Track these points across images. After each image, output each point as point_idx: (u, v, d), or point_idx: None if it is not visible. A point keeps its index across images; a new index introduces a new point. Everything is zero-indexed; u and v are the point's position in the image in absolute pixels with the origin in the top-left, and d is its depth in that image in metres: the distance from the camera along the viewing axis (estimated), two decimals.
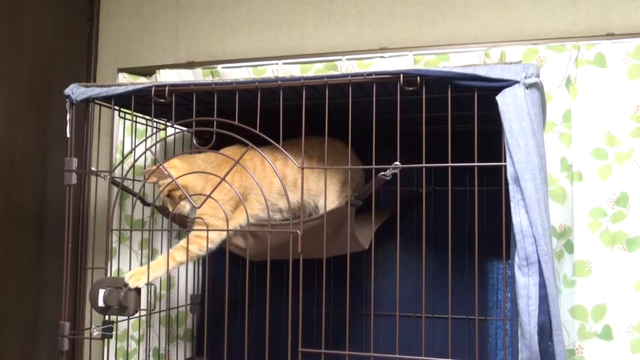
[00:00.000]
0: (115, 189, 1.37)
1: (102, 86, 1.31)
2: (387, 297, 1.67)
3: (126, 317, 1.39)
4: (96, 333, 1.26)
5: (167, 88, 1.26)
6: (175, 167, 1.31)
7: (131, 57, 2.03)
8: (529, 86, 1.05)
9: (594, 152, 1.45)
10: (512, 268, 1.08)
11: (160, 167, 1.28)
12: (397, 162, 1.12)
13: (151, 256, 1.44)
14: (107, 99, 1.31)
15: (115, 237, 1.78)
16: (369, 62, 1.64)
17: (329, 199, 1.37)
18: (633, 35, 1.51)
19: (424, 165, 1.14)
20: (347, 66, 1.66)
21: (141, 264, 1.75)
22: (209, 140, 1.22)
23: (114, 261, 1.75)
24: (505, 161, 1.06)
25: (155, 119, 1.57)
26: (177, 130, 1.66)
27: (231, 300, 1.68)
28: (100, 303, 1.22)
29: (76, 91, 1.30)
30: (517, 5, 1.69)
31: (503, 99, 1.06)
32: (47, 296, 1.84)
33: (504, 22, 1.69)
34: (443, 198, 1.61)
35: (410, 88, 1.12)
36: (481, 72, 1.07)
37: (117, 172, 1.39)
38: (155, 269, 1.25)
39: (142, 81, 1.84)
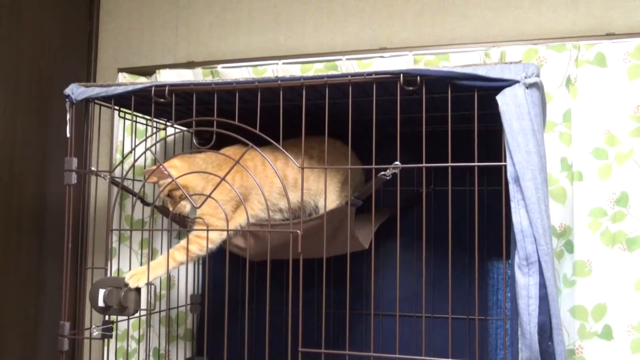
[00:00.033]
0: (115, 189, 1.37)
1: (102, 86, 1.31)
2: (387, 297, 1.67)
3: (126, 317, 1.40)
4: (96, 333, 1.26)
5: (167, 88, 1.25)
6: (176, 167, 1.31)
7: (131, 57, 2.03)
8: (529, 86, 1.05)
9: (594, 151, 1.45)
10: (512, 268, 1.08)
11: (161, 167, 1.28)
12: (397, 162, 1.12)
13: (151, 256, 1.44)
14: (107, 98, 1.31)
15: (115, 237, 1.78)
16: (368, 62, 1.64)
17: (329, 199, 1.37)
18: (633, 35, 1.51)
19: (424, 165, 1.14)
20: (347, 66, 1.66)
21: (141, 264, 1.75)
22: (209, 140, 1.22)
23: (114, 261, 1.75)
24: (505, 161, 1.06)
25: (155, 119, 1.57)
26: (177, 130, 1.66)
27: (231, 300, 1.67)
28: (100, 303, 1.22)
29: (76, 91, 1.30)
30: (517, 5, 1.68)
31: (503, 99, 1.06)
32: (47, 296, 1.84)
33: (504, 22, 1.69)
34: (443, 198, 1.61)
35: (410, 88, 1.12)
36: (481, 71, 1.07)
37: (117, 172, 1.39)
38: (155, 269, 1.25)
39: (142, 81, 1.84)
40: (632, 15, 1.59)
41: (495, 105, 1.06)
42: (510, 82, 1.06)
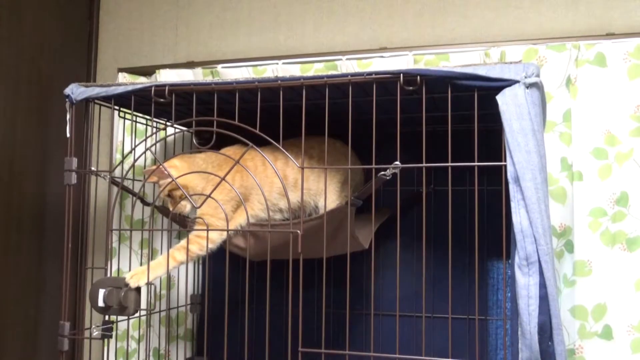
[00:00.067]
0: (115, 189, 1.37)
1: (101, 86, 1.30)
2: (387, 297, 1.67)
3: (126, 317, 1.39)
4: (96, 333, 1.26)
5: (167, 88, 1.25)
6: (176, 166, 1.31)
7: (131, 57, 2.03)
8: (529, 86, 1.05)
9: (594, 151, 1.45)
10: (512, 268, 1.08)
11: (161, 167, 1.28)
12: (397, 162, 1.12)
13: (151, 256, 1.44)
14: (106, 98, 1.31)
15: (115, 237, 1.78)
16: (368, 61, 1.64)
17: (329, 199, 1.37)
18: (633, 35, 1.51)
19: (424, 165, 1.14)
20: (347, 66, 1.66)
21: (141, 264, 1.75)
22: (209, 140, 1.22)
23: (114, 261, 1.75)
24: (505, 161, 1.06)
25: (155, 119, 1.57)
26: (177, 130, 1.66)
27: (231, 300, 1.67)
28: (100, 303, 1.22)
29: (76, 91, 1.30)
30: (517, 5, 1.68)
31: (503, 99, 1.06)
32: (47, 296, 1.84)
33: (504, 21, 1.69)
34: (443, 198, 1.61)
35: (410, 88, 1.12)
36: (481, 71, 1.07)
37: (117, 172, 1.39)
38: (155, 269, 1.25)
39: (142, 81, 1.84)
40: (632, 15, 1.59)
41: (495, 105, 1.06)
42: (510, 82, 1.06)
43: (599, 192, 1.44)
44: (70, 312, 1.92)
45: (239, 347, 1.70)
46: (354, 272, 1.64)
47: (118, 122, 1.79)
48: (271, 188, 1.36)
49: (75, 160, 1.30)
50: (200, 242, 1.30)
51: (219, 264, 1.70)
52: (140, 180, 1.56)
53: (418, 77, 1.11)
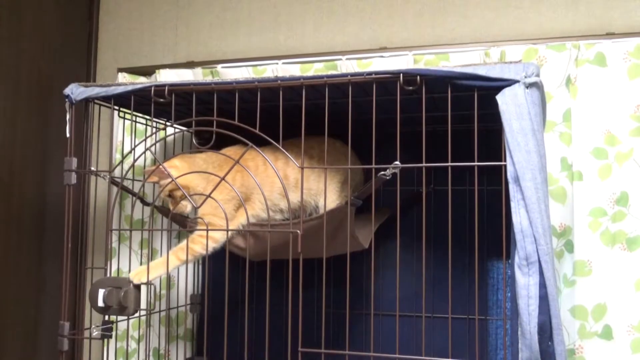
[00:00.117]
0: (115, 189, 1.37)
1: (101, 86, 1.30)
2: (387, 297, 1.67)
3: (126, 317, 1.39)
4: (96, 333, 1.26)
5: (166, 88, 1.25)
6: (176, 166, 1.31)
7: (131, 57, 2.03)
8: (529, 85, 1.05)
9: (594, 151, 1.45)
10: (512, 268, 1.08)
11: (161, 167, 1.28)
12: (397, 162, 1.12)
13: (151, 256, 1.44)
14: (106, 98, 1.31)
15: (115, 237, 1.78)
16: (368, 61, 1.63)
17: (329, 199, 1.37)
18: (633, 35, 1.50)
19: (423, 165, 1.14)
20: (347, 66, 1.66)
21: (141, 264, 1.75)
22: (209, 140, 1.22)
23: (114, 261, 1.75)
24: (505, 161, 1.06)
25: (155, 119, 1.57)
26: (176, 130, 1.66)
27: (231, 300, 1.67)
28: (100, 303, 1.22)
29: (76, 91, 1.30)
30: (517, 5, 1.68)
31: (503, 99, 1.06)
32: (47, 296, 1.84)
33: (504, 21, 1.69)
34: (443, 198, 1.61)
35: (410, 87, 1.12)
36: (481, 71, 1.07)
37: (117, 172, 1.38)
38: (157, 268, 1.26)
39: (141, 81, 1.84)
40: (632, 15, 1.59)
41: (495, 105, 1.06)
42: (510, 82, 1.06)
43: (599, 192, 1.44)
44: (70, 312, 1.92)
45: (239, 347, 1.70)
46: (354, 272, 1.64)
47: (118, 122, 1.79)
48: (272, 188, 1.36)
49: (75, 160, 1.30)
50: (202, 242, 1.30)
51: (218, 264, 1.70)
52: (140, 180, 1.56)
53: (418, 77, 1.11)
